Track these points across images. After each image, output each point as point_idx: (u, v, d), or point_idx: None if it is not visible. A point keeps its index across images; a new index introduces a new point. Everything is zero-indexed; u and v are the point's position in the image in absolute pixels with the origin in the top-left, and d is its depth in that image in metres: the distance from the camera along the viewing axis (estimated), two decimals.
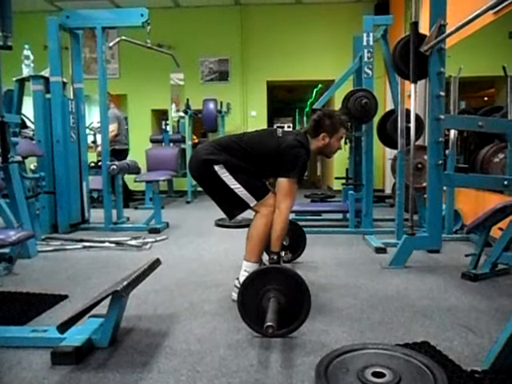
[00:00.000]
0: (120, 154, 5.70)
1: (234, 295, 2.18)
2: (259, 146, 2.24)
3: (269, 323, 1.63)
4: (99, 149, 5.39)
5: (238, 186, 2.17)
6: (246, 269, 2.19)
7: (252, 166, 2.22)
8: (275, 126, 10.23)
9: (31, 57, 4.11)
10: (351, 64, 4.24)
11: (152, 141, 7.19)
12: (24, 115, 4.63)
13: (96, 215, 4.46)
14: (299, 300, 1.80)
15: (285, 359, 1.60)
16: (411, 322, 1.93)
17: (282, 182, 2.17)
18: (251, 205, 2.20)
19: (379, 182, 7.03)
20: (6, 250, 2.66)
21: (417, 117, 3.21)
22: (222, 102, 7.23)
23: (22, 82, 4.27)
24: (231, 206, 2.27)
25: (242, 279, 2.16)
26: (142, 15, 4.00)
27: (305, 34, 7.44)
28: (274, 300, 1.78)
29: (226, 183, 2.17)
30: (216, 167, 2.17)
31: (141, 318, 2.00)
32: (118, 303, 1.66)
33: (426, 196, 2.85)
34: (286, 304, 1.80)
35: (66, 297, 2.29)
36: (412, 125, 2.84)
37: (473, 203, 3.77)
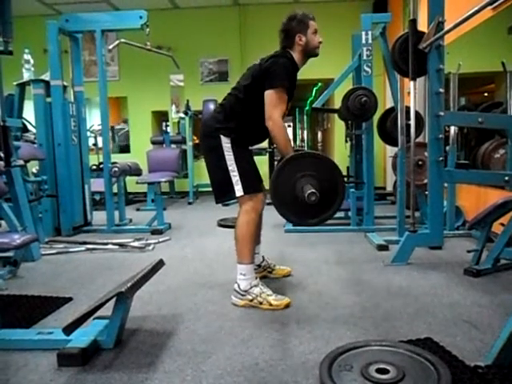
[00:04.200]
0: None
1: (234, 299, 2.18)
2: (247, 82, 2.19)
3: (310, 191, 1.60)
4: None
5: (235, 170, 2.14)
6: (241, 272, 2.18)
7: (255, 116, 2.14)
8: None
9: (31, 61, 4.13)
10: (350, 62, 4.24)
11: (153, 142, 7.19)
12: (25, 119, 4.65)
13: (98, 217, 4.49)
14: (333, 185, 1.78)
15: (289, 357, 1.61)
16: (414, 319, 1.94)
17: (269, 94, 2.07)
18: (237, 194, 2.15)
19: (380, 179, 7.03)
20: (11, 254, 2.68)
21: (417, 114, 3.22)
22: None
23: (22, 86, 4.29)
24: (220, 190, 2.27)
25: (240, 283, 2.17)
26: (140, 17, 4.00)
27: None
28: (308, 183, 1.75)
29: (226, 162, 2.14)
30: (223, 141, 2.14)
31: (145, 319, 2.02)
32: (123, 304, 1.67)
33: (427, 193, 2.85)
34: (320, 190, 1.76)
35: (70, 299, 2.30)
36: (412, 122, 2.84)
37: (474, 199, 3.77)
